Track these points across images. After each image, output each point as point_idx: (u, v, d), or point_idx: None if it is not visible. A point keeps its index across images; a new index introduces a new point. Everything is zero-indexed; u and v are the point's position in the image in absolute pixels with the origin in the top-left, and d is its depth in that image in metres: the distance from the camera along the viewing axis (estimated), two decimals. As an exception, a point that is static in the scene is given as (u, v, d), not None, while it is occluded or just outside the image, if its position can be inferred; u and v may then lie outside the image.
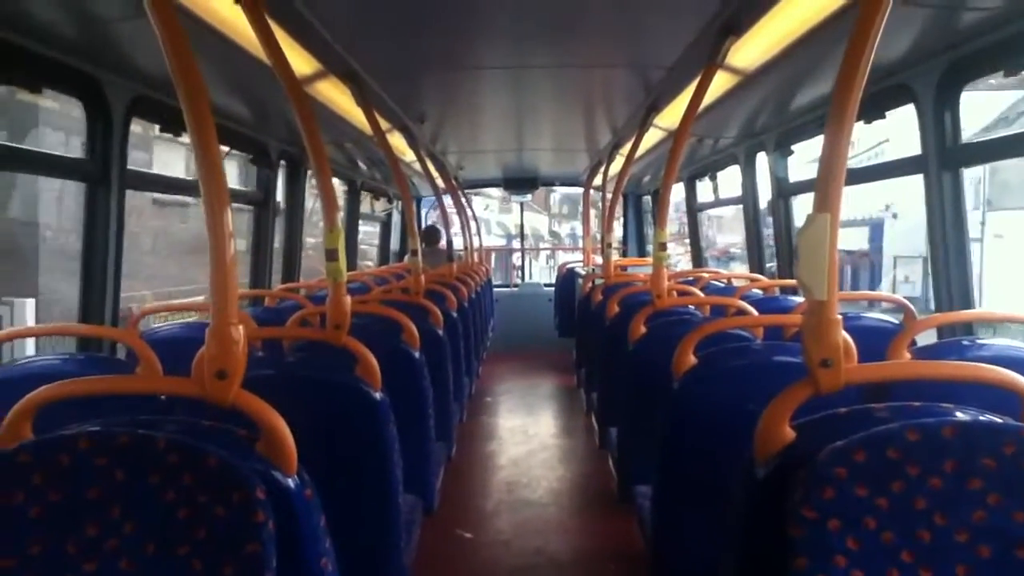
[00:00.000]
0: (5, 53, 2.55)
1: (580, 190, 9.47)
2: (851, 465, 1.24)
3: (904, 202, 23.06)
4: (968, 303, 3.13)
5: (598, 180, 7.61)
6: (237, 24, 2.49)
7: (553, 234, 41.32)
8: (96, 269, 3.19)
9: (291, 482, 1.46)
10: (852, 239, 25.35)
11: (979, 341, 2.65)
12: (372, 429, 2.25)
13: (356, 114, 4.03)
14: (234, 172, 5.16)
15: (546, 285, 10.93)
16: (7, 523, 1.27)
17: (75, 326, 3.20)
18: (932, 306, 3.21)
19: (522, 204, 12.62)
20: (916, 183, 3.25)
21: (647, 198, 10.05)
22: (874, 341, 2.31)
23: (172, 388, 1.70)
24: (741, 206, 5.85)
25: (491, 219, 31.36)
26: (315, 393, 2.23)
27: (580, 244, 10.27)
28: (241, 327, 1.55)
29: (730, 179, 6.46)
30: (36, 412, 1.52)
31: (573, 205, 38.29)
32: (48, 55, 2.72)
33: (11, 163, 2.93)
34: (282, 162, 5.29)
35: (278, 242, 5.50)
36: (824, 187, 1.44)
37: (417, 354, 3.04)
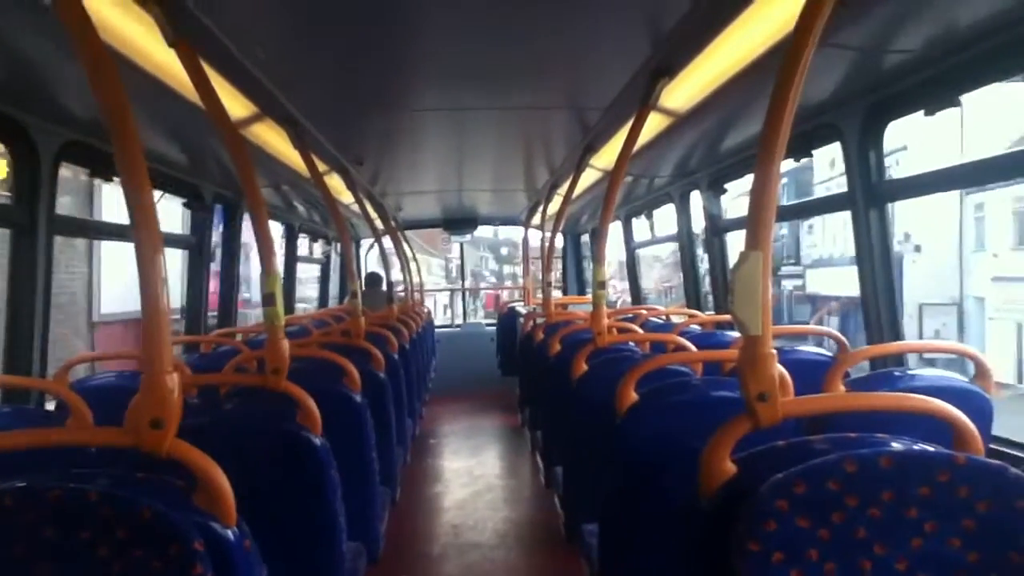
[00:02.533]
0: None
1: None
2: (792, 497, 1.26)
3: (929, 231, 18.91)
4: (898, 335, 3.23)
5: (537, 219, 7.69)
6: (170, 68, 2.46)
7: (493, 272, 41.51)
8: (23, 317, 3.08)
9: (230, 533, 1.42)
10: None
11: (909, 372, 2.73)
12: (313, 475, 2.20)
13: (293, 157, 4.00)
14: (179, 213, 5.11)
15: (487, 324, 10.92)
16: None
17: (1, 377, 3.08)
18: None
19: (462, 244, 12.66)
20: (946, 204, 3.31)
21: (585, 237, 10.17)
22: (809, 373, 2.36)
23: (105, 439, 1.64)
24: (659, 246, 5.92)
25: (431, 260, 31.31)
26: (253, 440, 2.18)
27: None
28: (176, 374, 1.51)
29: (666, 217, 6.61)
30: None
31: (514, 247, 38.54)
32: None
33: None
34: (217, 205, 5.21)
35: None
36: (755, 224, 1.47)
37: (359, 398, 2.99)
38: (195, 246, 5.02)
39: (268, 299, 2.38)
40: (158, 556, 1.24)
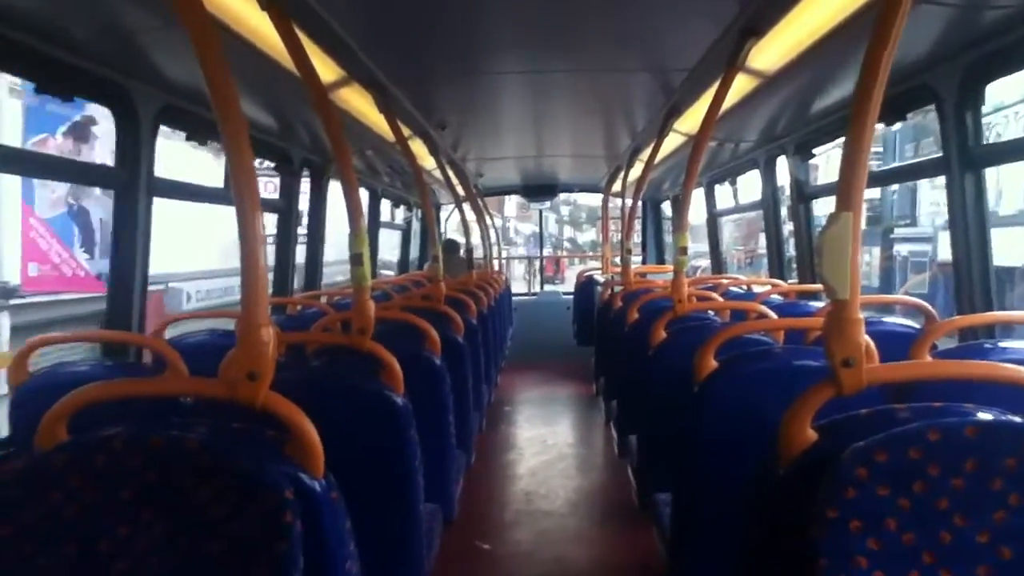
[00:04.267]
0: (39, 63, 2.61)
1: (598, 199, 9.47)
2: (873, 465, 1.24)
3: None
4: (990, 305, 3.10)
5: (617, 186, 7.62)
6: (262, 31, 2.52)
7: (571, 241, 41.30)
8: (124, 275, 3.23)
9: (318, 485, 1.47)
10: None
11: (1001, 344, 2.62)
12: (395, 435, 2.25)
13: (378, 121, 4.06)
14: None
15: (565, 293, 10.91)
16: (45, 523, 1.29)
17: (103, 332, 3.24)
18: None
19: (541, 211, 12.64)
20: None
21: (665, 204, 10.02)
22: (895, 345, 2.29)
23: (202, 389, 1.72)
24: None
25: (509, 226, 31.35)
26: (340, 398, 2.24)
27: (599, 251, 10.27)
28: (271, 328, 1.57)
29: (746, 183, 6.46)
30: (71, 416, 1.54)
31: (592, 212, 38.16)
32: (80, 65, 2.77)
33: (45, 171, 2.99)
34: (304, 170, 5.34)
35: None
36: (847, 187, 1.44)
37: (439, 361, 3.04)
38: (284, 209, 5.15)
39: (356, 259, 2.44)
40: (251, 503, 1.30)
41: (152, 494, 1.32)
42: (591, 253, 25.84)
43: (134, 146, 3.17)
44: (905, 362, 1.90)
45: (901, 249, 23.98)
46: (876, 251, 26.37)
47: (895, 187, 23.85)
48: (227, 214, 1.77)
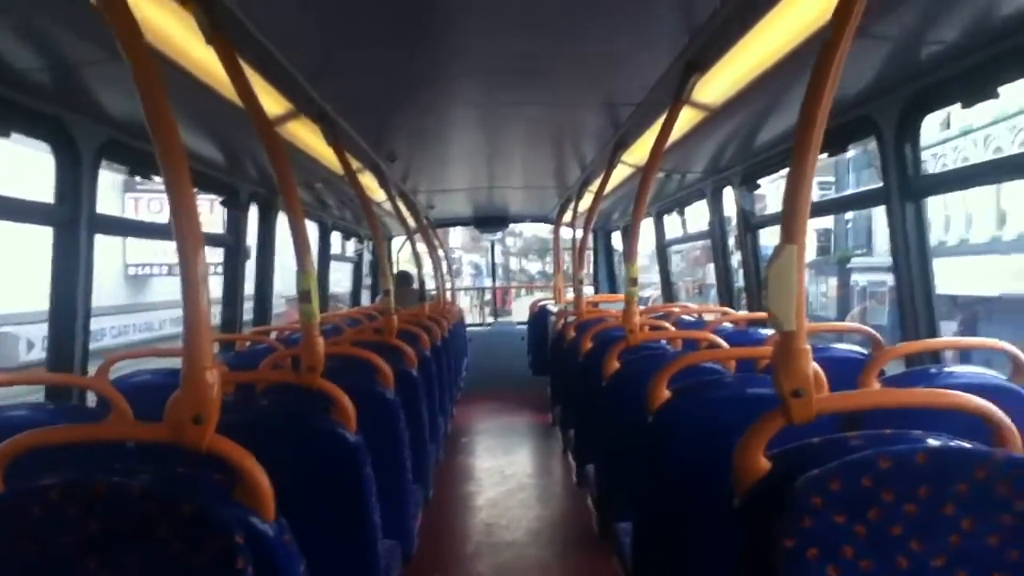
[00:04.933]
0: None
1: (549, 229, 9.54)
2: (827, 494, 1.25)
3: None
4: (934, 331, 3.18)
5: (568, 217, 7.68)
6: (207, 65, 2.49)
7: (523, 271, 41.35)
8: (65, 315, 3.14)
9: (270, 528, 1.44)
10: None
11: (946, 369, 2.69)
12: (349, 473, 2.21)
13: (326, 154, 4.04)
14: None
15: (518, 323, 10.92)
16: None
17: (44, 374, 3.15)
18: None
19: (493, 243, 12.67)
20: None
21: (616, 234, 10.13)
22: (843, 372, 2.34)
23: (146, 434, 1.67)
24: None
25: (461, 257, 31.32)
26: (290, 437, 2.20)
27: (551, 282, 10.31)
28: (216, 370, 1.53)
29: (696, 213, 6.57)
30: (7, 463, 1.48)
31: (543, 244, 38.30)
32: (17, 100, 2.71)
33: None
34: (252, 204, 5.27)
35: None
36: (790, 219, 1.46)
37: (392, 395, 3.01)
38: (231, 244, 5.08)
39: (304, 296, 2.40)
40: (199, 550, 1.26)
41: (95, 543, 1.27)
42: (541, 283, 25.95)
43: (74, 182, 3.09)
44: (853, 392, 1.93)
45: (859, 279, 24.14)
46: (832, 281, 26.59)
47: (850, 216, 24.15)
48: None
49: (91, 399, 3.16)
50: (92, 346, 3.30)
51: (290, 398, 2.63)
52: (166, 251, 20.09)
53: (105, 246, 3.12)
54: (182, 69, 2.58)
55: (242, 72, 2.24)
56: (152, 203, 18.64)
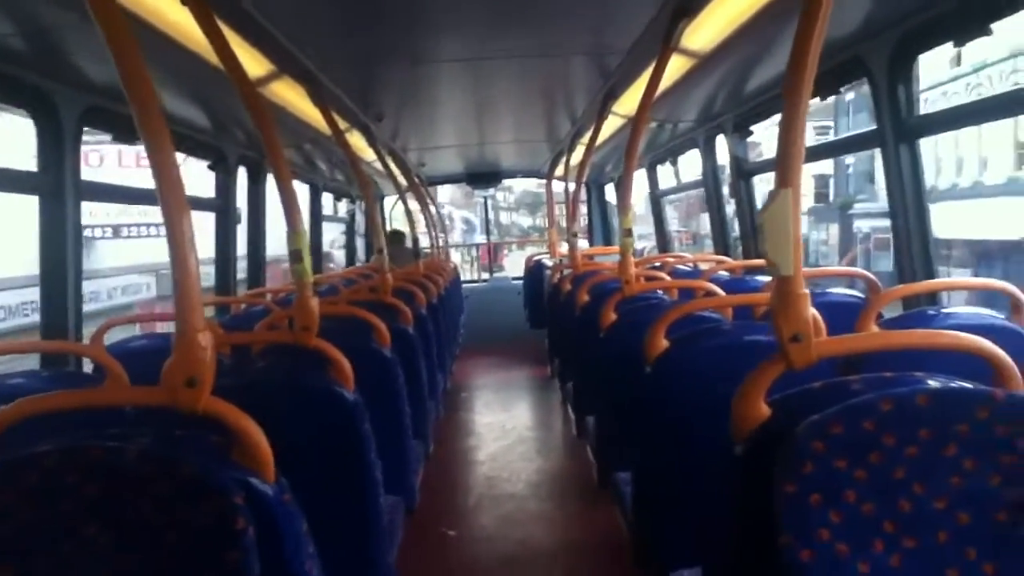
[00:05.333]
0: None
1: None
2: (828, 438, 1.25)
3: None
4: (931, 273, 3.18)
5: (560, 171, 7.63)
6: (186, 27, 2.44)
7: (514, 225, 41.36)
8: (56, 283, 3.13)
9: (269, 488, 1.44)
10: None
11: (944, 310, 2.69)
12: (348, 430, 2.22)
13: (313, 115, 3.99)
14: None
15: (514, 278, 10.93)
16: None
17: (38, 342, 3.14)
18: None
19: (486, 199, 12.61)
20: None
21: (610, 186, 10.08)
22: (841, 315, 2.33)
23: (141, 398, 1.67)
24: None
25: (453, 214, 31.17)
26: (287, 397, 2.20)
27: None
28: (208, 333, 1.53)
29: (689, 162, 6.53)
30: (3, 430, 1.48)
31: (535, 198, 38.14)
32: None
33: None
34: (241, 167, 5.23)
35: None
36: (784, 164, 1.45)
37: (389, 353, 3.01)
38: (221, 208, 5.04)
39: (295, 256, 2.39)
40: (199, 511, 1.26)
41: (94, 508, 1.28)
42: (536, 238, 25.90)
43: (57, 150, 3.06)
44: (853, 335, 1.93)
45: (862, 225, 23.52)
46: (834, 229, 26.08)
47: (850, 160, 23.57)
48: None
49: (87, 366, 3.17)
50: (20, 323, 3.30)
51: (287, 359, 2.63)
52: (109, 212, 19.29)
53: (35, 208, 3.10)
54: (159, 32, 2.53)
55: (221, 34, 2.20)
56: (91, 156, 16.42)
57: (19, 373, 2.59)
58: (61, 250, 3.12)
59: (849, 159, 23.62)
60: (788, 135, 1.45)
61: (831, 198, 26.44)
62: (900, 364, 1.52)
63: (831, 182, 26.63)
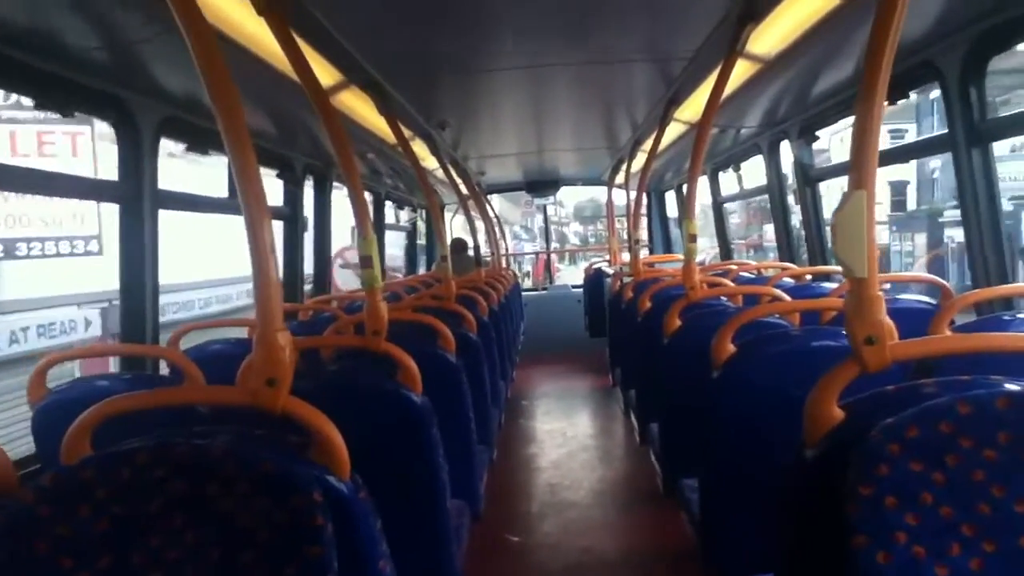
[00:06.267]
0: (38, 79, 2.62)
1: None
2: (904, 441, 1.23)
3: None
4: (1004, 278, 3.10)
5: (620, 178, 7.60)
6: (259, 38, 2.53)
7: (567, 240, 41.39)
8: (134, 289, 3.25)
9: (345, 487, 1.48)
10: None
11: (1020, 315, 2.62)
12: (417, 434, 2.25)
13: (378, 124, 4.07)
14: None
15: (574, 286, 10.91)
16: (76, 537, 1.30)
17: (119, 346, 3.27)
18: None
19: (545, 207, 12.63)
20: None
21: (669, 194, 10.01)
22: (912, 322, 2.29)
23: (223, 397, 1.73)
24: None
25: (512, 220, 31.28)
26: (358, 400, 2.25)
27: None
28: (288, 334, 1.57)
29: (750, 169, 6.46)
30: (94, 429, 1.55)
31: (593, 209, 38.14)
32: (78, 79, 2.78)
33: (46, 188, 3.00)
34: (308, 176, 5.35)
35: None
36: (859, 165, 1.44)
37: (454, 359, 3.04)
38: (289, 217, 5.16)
39: (365, 261, 2.44)
40: (280, 507, 1.30)
41: (180, 504, 1.33)
42: (596, 247, 25.77)
43: (136, 159, 3.18)
44: (928, 337, 1.89)
45: (954, 234, 21.81)
46: (920, 239, 24.20)
47: (935, 164, 22.30)
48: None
49: (163, 370, 3.28)
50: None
51: (356, 363, 2.68)
52: (47, 219, 11.95)
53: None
54: (235, 43, 2.62)
55: (295, 44, 2.26)
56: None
57: (101, 376, 2.70)
58: (139, 258, 3.24)
59: (935, 162, 22.68)
60: (862, 137, 1.44)
61: (909, 205, 25.31)
62: (972, 370, 1.48)
63: (909, 189, 25.62)
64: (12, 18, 2.28)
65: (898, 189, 25.64)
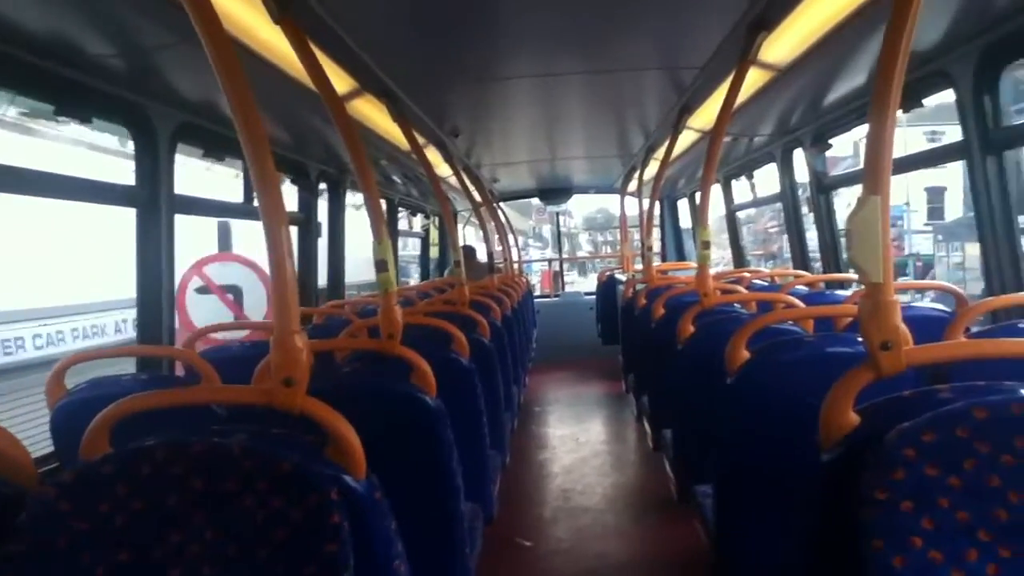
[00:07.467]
0: (58, 86, 2.66)
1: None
2: (920, 446, 1.24)
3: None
4: (1020, 285, 3.09)
5: (632, 186, 7.61)
6: (274, 45, 2.56)
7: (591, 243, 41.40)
8: (151, 292, 3.28)
9: (361, 486, 1.49)
10: None
11: None
12: (431, 436, 2.27)
13: (392, 131, 4.10)
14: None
15: (586, 293, 10.91)
16: (97, 532, 1.32)
17: (137, 347, 3.29)
18: None
19: (558, 214, 12.65)
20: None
21: (682, 202, 10.01)
22: (927, 329, 2.29)
23: (240, 397, 1.75)
24: None
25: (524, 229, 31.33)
26: (373, 402, 2.26)
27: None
28: (304, 335, 1.60)
29: (763, 177, 6.46)
30: (113, 427, 1.57)
31: (606, 219, 38.08)
32: (97, 86, 2.82)
33: (61, 191, 3.04)
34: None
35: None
36: (873, 172, 1.45)
37: (468, 363, 3.06)
38: (303, 222, 5.20)
39: (380, 265, 2.46)
40: (297, 506, 1.32)
41: (199, 501, 1.34)
42: (609, 254, 25.75)
43: (153, 164, 3.22)
44: (944, 343, 1.89)
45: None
46: (972, 249, 23.52)
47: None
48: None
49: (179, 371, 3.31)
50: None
51: (370, 366, 2.70)
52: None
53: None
54: (250, 50, 2.65)
55: (311, 51, 2.29)
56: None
57: (119, 376, 2.74)
58: (156, 261, 3.27)
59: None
60: (876, 144, 1.45)
61: (950, 213, 24.42)
62: (987, 377, 1.49)
63: (947, 196, 24.99)
64: (32, 26, 2.31)
65: (935, 196, 25.21)
